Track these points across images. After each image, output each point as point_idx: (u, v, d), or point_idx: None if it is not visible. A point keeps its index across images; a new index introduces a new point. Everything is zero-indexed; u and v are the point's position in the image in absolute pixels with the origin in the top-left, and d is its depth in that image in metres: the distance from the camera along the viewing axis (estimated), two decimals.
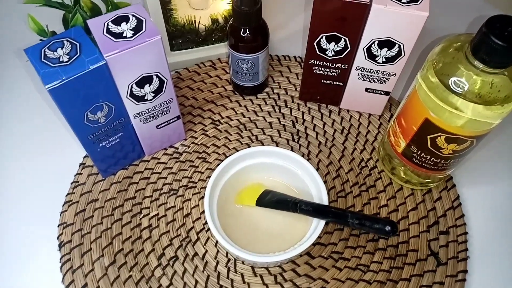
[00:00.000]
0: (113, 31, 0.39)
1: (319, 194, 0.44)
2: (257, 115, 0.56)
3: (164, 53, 0.41)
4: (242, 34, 0.50)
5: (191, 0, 0.59)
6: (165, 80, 0.44)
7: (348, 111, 0.57)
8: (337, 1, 0.42)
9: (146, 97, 0.44)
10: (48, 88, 0.36)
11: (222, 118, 0.56)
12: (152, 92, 0.44)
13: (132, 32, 0.39)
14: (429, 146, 0.43)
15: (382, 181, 0.52)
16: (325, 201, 0.42)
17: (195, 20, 0.59)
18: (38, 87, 0.60)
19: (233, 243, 0.41)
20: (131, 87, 0.42)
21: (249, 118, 0.56)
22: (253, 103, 0.58)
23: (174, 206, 0.49)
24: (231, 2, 0.57)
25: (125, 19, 0.40)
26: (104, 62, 0.38)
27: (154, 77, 0.43)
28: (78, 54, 0.38)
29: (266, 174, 0.48)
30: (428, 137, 0.42)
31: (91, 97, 0.40)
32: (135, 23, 0.40)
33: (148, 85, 0.43)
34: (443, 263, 0.46)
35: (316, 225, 0.42)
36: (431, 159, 0.44)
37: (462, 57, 0.37)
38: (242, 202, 0.47)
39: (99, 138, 0.45)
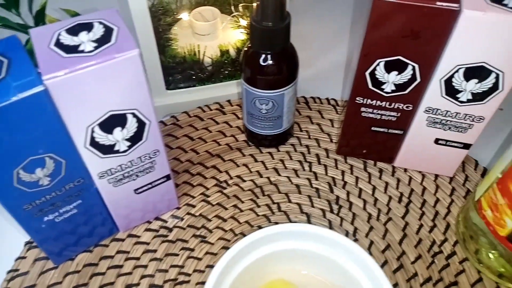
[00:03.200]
0: (66, 43, 0.25)
1: None
2: (279, 174, 0.41)
3: (145, 79, 0.27)
4: (262, 62, 0.36)
5: (195, 25, 0.46)
6: (147, 123, 0.29)
7: (405, 170, 0.41)
8: (410, 5, 0.28)
9: (117, 148, 0.29)
10: None
11: (231, 178, 0.41)
12: (126, 139, 0.29)
13: (95, 45, 0.25)
14: None
15: (467, 276, 0.35)
16: None
17: (199, 51, 0.46)
18: None
19: None
20: (92, 131, 0.27)
21: (268, 178, 0.41)
22: (273, 158, 0.42)
23: None
24: (248, 17, 0.44)
25: (87, 27, 0.26)
26: (43, 88, 0.23)
27: (129, 116, 0.28)
28: (3, 75, 0.23)
29: (296, 266, 0.32)
30: None
31: (22, 146, 0.25)
32: (102, 33, 0.26)
33: (119, 128, 0.28)
34: None
35: None
36: None
37: None
38: None
39: (43, 209, 0.29)
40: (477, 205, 0.33)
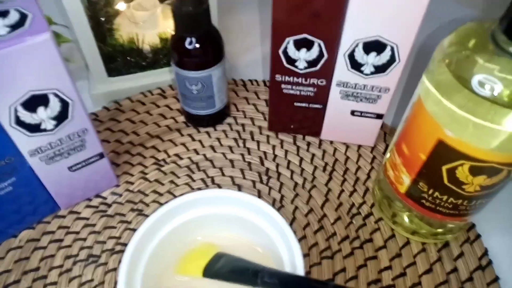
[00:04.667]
0: None
1: (291, 258, 0.30)
2: (215, 151, 0.44)
3: (61, 61, 0.29)
4: (187, 46, 0.38)
5: (134, 15, 0.48)
6: (70, 102, 0.31)
7: (331, 142, 0.44)
8: None
9: (43, 126, 0.31)
10: None
11: (169, 156, 0.43)
12: (51, 118, 0.31)
13: (8, 30, 0.27)
14: (445, 181, 0.30)
15: (382, 233, 0.38)
16: (299, 267, 0.29)
17: (138, 39, 0.48)
18: None
19: None
20: (16, 110, 0.29)
21: (204, 155, 0.43)
22: (210, 137, 0.45)
23: (92, 280, 0.35)
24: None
25: (3, 13, 0.28)
26: None
27: (51, 96, 0.30)
28: None
29: (220, 229, 0.35)
30: (444, 168, 0.29)
31: None
32: (16, 19, 0.28)
33: (43, 108, 0.30)
34: None
35: None
36: (449, 200, 0.31)
37: (487, 45, 0.25)
38: (186, 272, 0.33)
39: None
40: (384, 167, 0.37)
